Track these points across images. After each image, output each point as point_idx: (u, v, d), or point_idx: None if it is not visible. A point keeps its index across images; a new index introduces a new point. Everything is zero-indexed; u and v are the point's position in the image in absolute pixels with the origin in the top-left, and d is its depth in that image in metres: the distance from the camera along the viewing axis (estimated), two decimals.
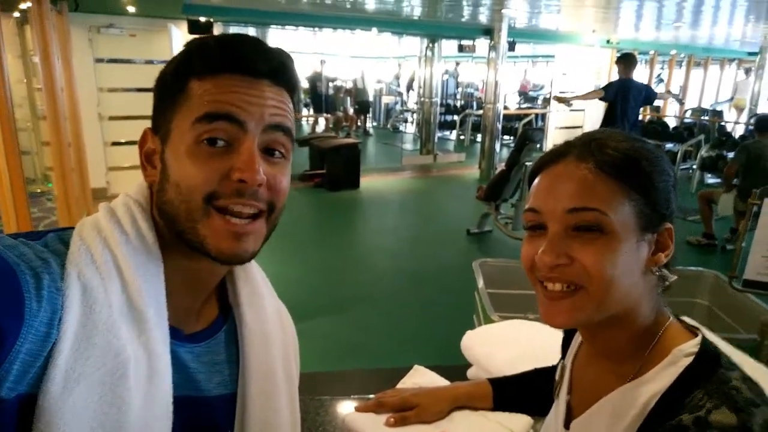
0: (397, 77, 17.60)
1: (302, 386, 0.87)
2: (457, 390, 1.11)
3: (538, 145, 5.68)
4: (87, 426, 0.55)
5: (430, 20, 9.12)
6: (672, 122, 10.97)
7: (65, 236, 0.64)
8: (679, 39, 11.13)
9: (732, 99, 13.75)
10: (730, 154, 7.88)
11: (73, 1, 5.65)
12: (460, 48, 10.12)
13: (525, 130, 6.04)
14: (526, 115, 12.49)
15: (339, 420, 1.15)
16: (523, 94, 16.35)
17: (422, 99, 10.91)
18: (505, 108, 10.55)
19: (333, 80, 13.99)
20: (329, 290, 4.46)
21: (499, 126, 9.08)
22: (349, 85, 13.98)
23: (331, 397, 1.23)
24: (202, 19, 7.04)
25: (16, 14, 5.79)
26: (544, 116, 11.91)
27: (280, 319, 0.85)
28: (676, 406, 0.62)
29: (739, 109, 12.33)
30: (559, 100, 6.10)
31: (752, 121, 7.92)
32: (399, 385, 1.19)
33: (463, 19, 8.85)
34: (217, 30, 7.30)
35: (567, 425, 0.79)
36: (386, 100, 15.71)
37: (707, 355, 0.66)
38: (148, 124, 0.70)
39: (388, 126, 15.46)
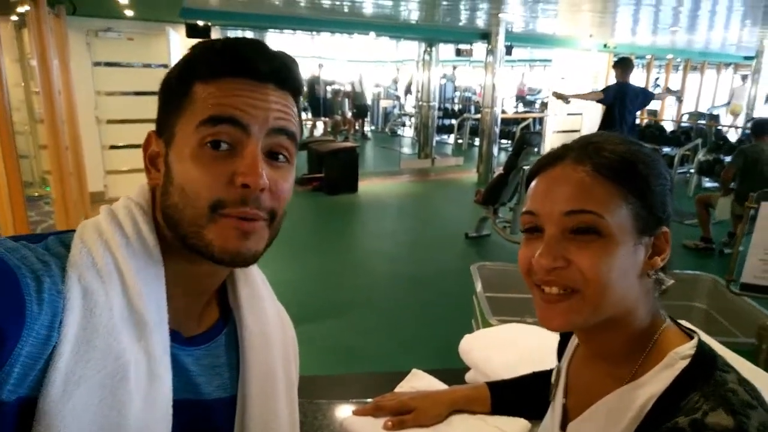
0: (395, 81, 17.65)
1: (300, 389, 0.87)
2: (455, 393, 1.11)
3: (536, 149, 5.70)
4: (87, 429, 0.55)
5: (427, 24, 9.15)
6: (669, 126, 11.01)
7: (66, 239, 0.64)
8: (675, 43, 11.16)
9: (729, 104, 13.79)
10: (728, 158, 7.89)
11: (70, 4, 5.65)
12: (458, 52, 10.15)
13: (523, 134, 6.07)
14: (524, 119, 12.52)
15: (337, 423, 1.15)
16: (521, 98, 16.40)
17: (420, 103, 10.94)
18: (503, 112, 10.57)
19: (331, 84, 14.02)
20: (327, 294, 4.46)
21: (497, 130, 9.10)
22: (348, 88, 14.02)
23: (329, 401, 1.23)
24: (200, 23, 7.05)
25: (14, 18, 5.79)
26: (541, 120, 11.94)
27: (281, 322, 0.85)
28: (673, 409, 0.62)
29: (736, 115, 12.37)
30: (558, 95, 6.14)
31: (749, 125, 7.95)
32: (397, 389, 1.19)
33: (461, 24, 8.87)
34: (215, 34, 7.32)
35: (563, 428, 0.79)
36: (384, 104, 15.75)
37: (703, 357, 0.66)
38: (145, 127, 0.70)
39: (386, 130, 15.48)
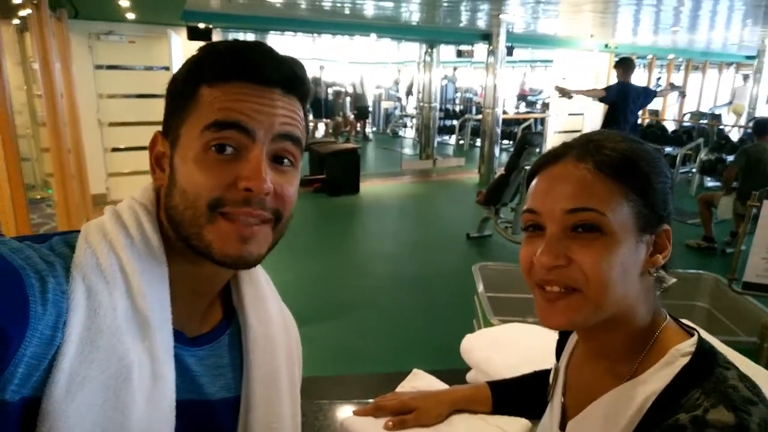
0: (396, 82, 17.65)
1: (301, 390, 0.87)
2: (456, 393, 1.11)
3: (537, 150, 5.70)
4: (90, 430, 0.55)
5: (428, 26, 9.15)
6: (671, 126, 11.00)
7: (71, 239, 0.64)
8: (677, 43, 11.16)
9: (731, 103, 13.78)
10: (730, 158, 7.90)
11: (72, 8, 5.67)
12: (459, 53, 10.16)
13: (524, 135, 6.07)
14: (525, 120, 12.52)
15: (337, 424, 1.15)
16: (522, 99, 16.39)
17: (421, 104, 10.95)
18: (504, 113, 10.57)
19: (332, 85, 14.04)
20: (329, 295, 4.46)
21: (499, 130, 9.10)
22: (349, 90, 14.04)
23: (330, 401, 1.23)
24: (202, 25, 7.06)
25: (16, 21, 5.80)
26: (543, 120, 11.92)
27: (284, 322, 0.85)
28: (673, 406, 0.62)
29: (738, 115, 12.35)
30: (561, 90, 6.16)
31: (751, 124, 7.93)
32: (398, 389, 1.18)
33: (462, 25, 8.88)
34: (216, 36, 7.33)
35: (563, 427, 0.79)
36: (385, 105, 15.75)
37: (704, 354, 0.66)
38: (147, 130, 0.70)
39: (388, 131, 15.50)
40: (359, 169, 8.18)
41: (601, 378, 0.73)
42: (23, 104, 6.40)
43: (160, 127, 0.70)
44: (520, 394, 1.08)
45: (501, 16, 7.80)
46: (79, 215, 4.69)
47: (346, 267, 5.20)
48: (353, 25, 8.66)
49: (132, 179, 6.59)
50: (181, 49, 6.71)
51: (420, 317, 4.05)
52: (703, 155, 8.49)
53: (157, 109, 0.69)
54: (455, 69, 17.22)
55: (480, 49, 9.67)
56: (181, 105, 0.65)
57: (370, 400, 1.12)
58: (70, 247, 0.62)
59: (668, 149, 9.43)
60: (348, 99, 14.02)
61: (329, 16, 8.06)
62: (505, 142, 11.91)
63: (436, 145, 10.96)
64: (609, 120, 5.76)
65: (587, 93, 6.20)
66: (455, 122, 13.69)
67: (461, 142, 13.27)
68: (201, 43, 0.70)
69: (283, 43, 11.46)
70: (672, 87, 9.25)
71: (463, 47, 9.97)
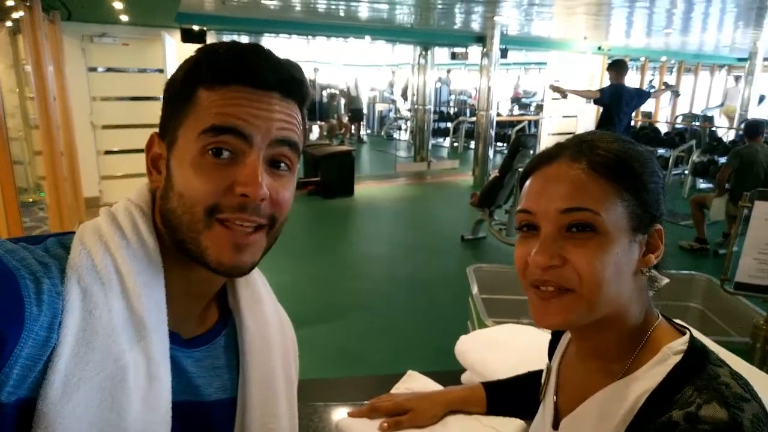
0: (391, 85, 17.66)
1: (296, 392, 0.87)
2: (451, 394, 1.11)
3: (531, 151, 5.73)
4: (86, 431, 0.55)
5: (422, 28, 9.17)
6: (663, 128, 11.05)
7: (66, 241, 0.64)
8: (669, 45, 11.22)
9: (722, 105, 13.87)
10: (722, 159, 7.94)
11: (65, 10, 5.64)
12: (453, 55, 10.17)
13: (518, 137, 6.08)
14: (519, 122, 12.55)
15: (332, 425, 1.15)
16: (516, 101, 16.44)
17: (416, 106, 10.95)
18: (498, 115, 10.59)
19: (327, 88, 14.04)
20: (324, 297, 4.46)
21: (493, 133, 9.13)
22: (344, 92, 14.04)
23: (325, 404, 1.24)
24: (195, 27, 7.05)
25: (9, 23, 5.78)
26: (537, 123, 11.96)
27: (281, 324, 0.85)
28: (666, 403, 0.63)
29: (730, 117, 12.43)
30: (556, 89, 6.19)
31: (742, 126, 7.99)
32: (393, 391, 1.19)
33: (456, 27, 8.90)
34: (211, 38, 7.31)
35: (556, 426, 0.79)
36: (380, 107, 15.75)
37: (696, 351, 0.67)
38: (141, 132, 0.71)
39: (382, 133, 15.51)
40: (354, 172, 8.18)
41: (594, 377, 0.74)
42: (16, 107, 6.38)
43: (154, 130, 0.70)
44: (515, 395, 1.08)
45: (495, 18, 7.82)
46: (71, 218, 4.67)
47: (341, 269, 5.20)
48: (348, 27, 8.67)
49: (125, 182, 6.57)
50: (175, 51, 6.68)
51: (415, 319, 4.05)
52: (695, 157, 8.54)
53: (150, 112, 0.69)
54: (449, 71, 17.25)
55: (474, 51, 9.69)
56: (179, 107, 0.65)
57: (365, 402, 1.12)
58: (65, 248, 0.62)
59: (661, 151, 9.47)
60: (342, 101, 14.03)
61: (324, 19, 8.06)
62: (499, 144, 11.93)
63: (430, 147, 10.98)
64: (603, 121, 5.81)
65: (582, 93, 6.25)
66: (449, 124, 13.71)
67: (455, 144, 13.29)
68: (195, 46, 0.70)
69: (277, 45, 11.46)
70: (666, 87, 9.30)
71: (457, 49, 9.99)
